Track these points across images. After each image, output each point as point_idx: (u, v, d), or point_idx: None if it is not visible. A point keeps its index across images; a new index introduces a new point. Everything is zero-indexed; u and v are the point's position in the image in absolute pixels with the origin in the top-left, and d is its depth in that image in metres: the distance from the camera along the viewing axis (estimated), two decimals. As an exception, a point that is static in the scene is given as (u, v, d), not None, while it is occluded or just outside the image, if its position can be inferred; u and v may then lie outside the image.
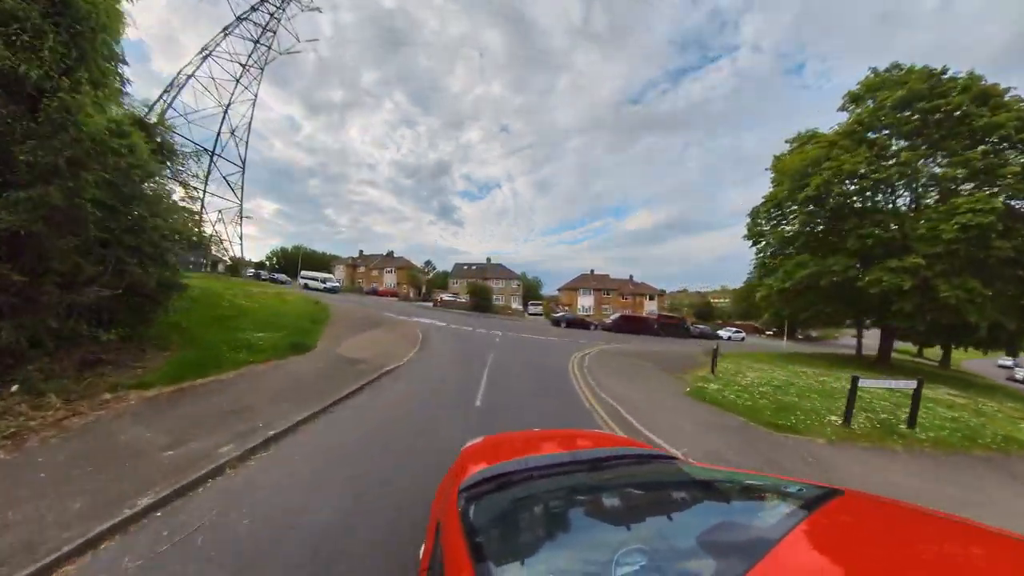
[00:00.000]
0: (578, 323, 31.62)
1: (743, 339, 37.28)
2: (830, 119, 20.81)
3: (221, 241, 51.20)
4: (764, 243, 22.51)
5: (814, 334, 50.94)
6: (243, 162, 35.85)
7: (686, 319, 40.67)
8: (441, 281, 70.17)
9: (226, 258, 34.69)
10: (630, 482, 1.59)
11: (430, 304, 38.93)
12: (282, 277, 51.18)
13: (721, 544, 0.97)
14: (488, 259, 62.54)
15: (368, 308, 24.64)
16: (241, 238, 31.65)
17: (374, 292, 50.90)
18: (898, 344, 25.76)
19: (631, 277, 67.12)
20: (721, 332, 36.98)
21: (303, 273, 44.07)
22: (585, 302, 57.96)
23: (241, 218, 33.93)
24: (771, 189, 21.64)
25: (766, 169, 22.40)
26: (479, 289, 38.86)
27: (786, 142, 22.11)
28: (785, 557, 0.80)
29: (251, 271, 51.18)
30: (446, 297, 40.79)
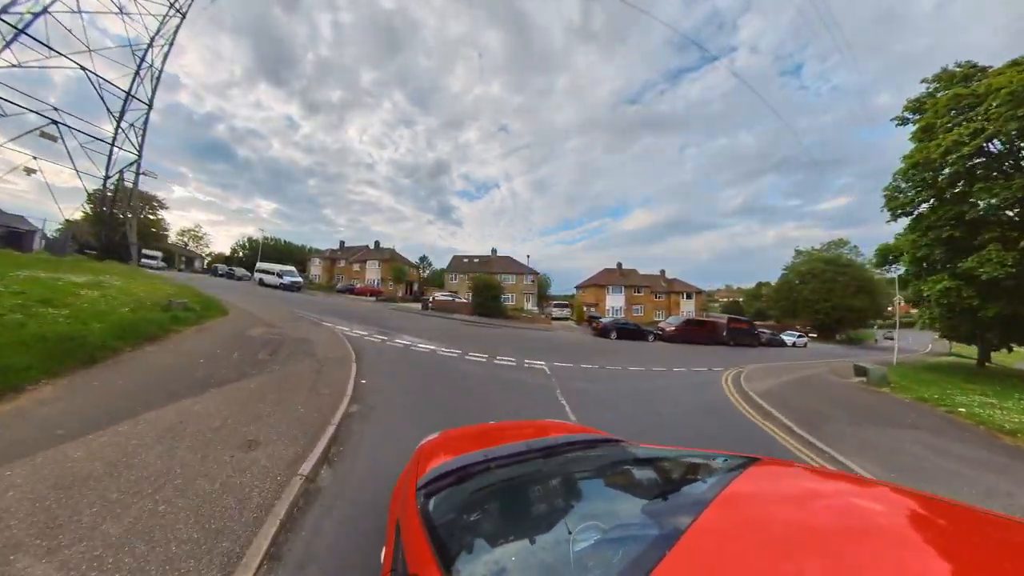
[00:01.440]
0: (631, 331, 22.11)
1: (806, 345, 31.54)
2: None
3: (120, 220, 40.42)
4: (922, 218, 14.39)
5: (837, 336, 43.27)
6: (150, 103, 25.18)
7: (754, 323, 31.85)
8: (438, 279, 59.98)
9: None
10: (582, 465, 1.65)
11: (420, 306, 28.54)
12: (240, 271, 41.42)
13: (662, 511, 1.07)
14: (493, 250, 52.34)
15: (303, 316, 14.56)
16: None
17: (350, 290, 40.67)
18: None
19: (663, 272, 57.20)
20: (784, 337, 30.90)
21: (258, 266, 34.05)
22: (615, 302, 47.83)
23: (138, 175, 23.04)
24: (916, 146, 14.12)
25: (895, 119, 15.71)
26: (485, 284, 27.51)
27: (927, 81, 15.12)
28: (714, 516, 0.93)
29: (222, 266, 46.41)
30: (442, 296, 30.71)
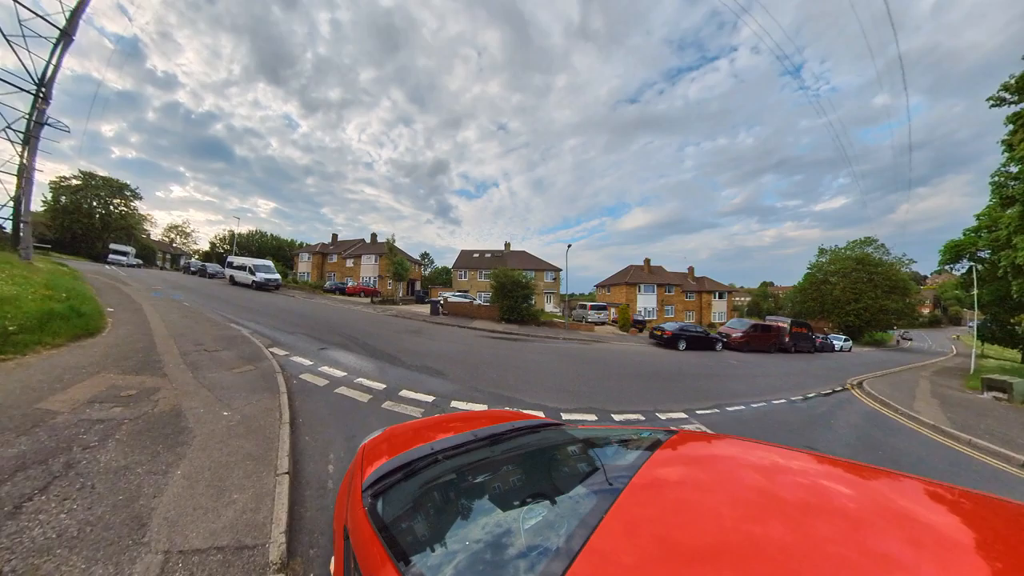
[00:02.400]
0: (700, 339, 18.71)
1: (851, 349, 30.53)
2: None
3: (85, 210, 33.67)
4: None
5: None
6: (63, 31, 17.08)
7: (811, 328, 27.62)
8: (442, 277, 54.06)
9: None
10: (526, 449, 1.68)
11: (429, 310, 22.62)
12: (213, 268, 35.69)
13: (598, 483, 1.16)
14: (507, 244, 46.31)
15: (246, 336, 8.63)
16: (27, 172, 13.31)
17: (339, 290, 34.71)
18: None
19: (691, 270, 51.78)
20: (833, 341, 29.11)
21: (229, 260, 28.13)
22: (647, 302, 42.29)
23: (31, 123, 15.10)
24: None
25: (991, 100, 13.58)
26: (514, 282, 20.99)
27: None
28: (640, 483, 1.05)
29: (195, 263, 42.38)
30: (455, 298, 24.92)
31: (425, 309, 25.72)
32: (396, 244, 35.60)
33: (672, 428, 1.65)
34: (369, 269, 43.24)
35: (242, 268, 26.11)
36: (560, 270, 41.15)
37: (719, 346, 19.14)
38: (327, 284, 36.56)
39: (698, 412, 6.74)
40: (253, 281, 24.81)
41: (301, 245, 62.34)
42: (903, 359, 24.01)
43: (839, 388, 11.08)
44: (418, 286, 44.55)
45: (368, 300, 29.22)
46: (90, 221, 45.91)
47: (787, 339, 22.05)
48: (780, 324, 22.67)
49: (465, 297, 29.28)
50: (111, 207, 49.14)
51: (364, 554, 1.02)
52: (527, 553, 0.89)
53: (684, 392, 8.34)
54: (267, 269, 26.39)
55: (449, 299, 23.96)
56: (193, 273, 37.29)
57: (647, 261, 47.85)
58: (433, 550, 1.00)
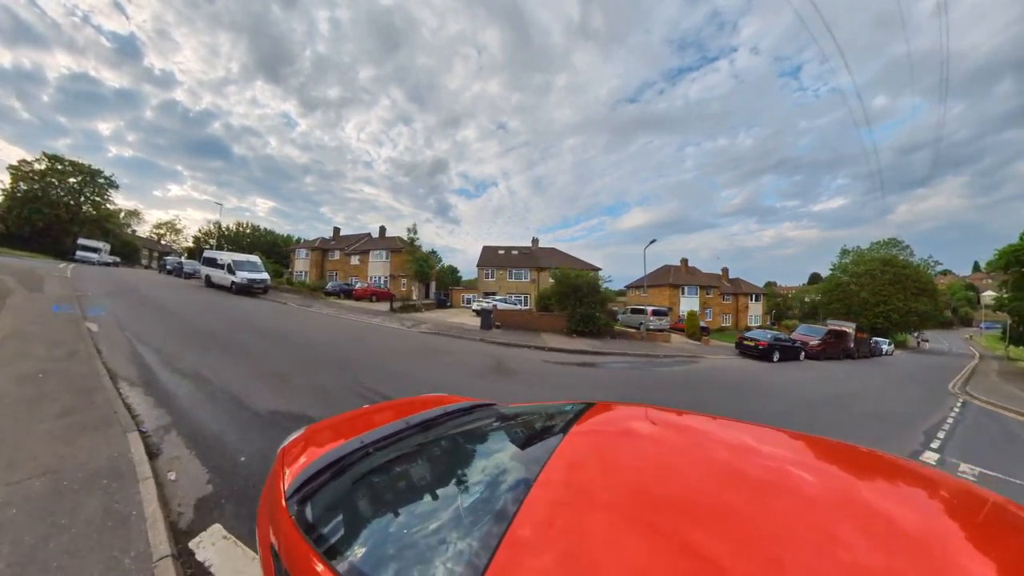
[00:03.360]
0: (789, 349, 17.17)
1: (893, 352, 29.84)
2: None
3: (54, 201, 25.70)
4: None
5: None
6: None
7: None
8: (449, 277, 48.12)
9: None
10: (461, 430, 1.66)
11: (479, 322, 16.67)
12: (191, 266, 29.72)
13: (529, 456, 1.20)
14: (535, 240, 40.35)
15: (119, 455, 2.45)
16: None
17: (345, 292, 27.80)
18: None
19: (725, 271, 46.95)
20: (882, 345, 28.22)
21: (205, 256, 22.50)
22: (689, 305, 36.94)
23: None
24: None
25: None
26: (588, 286, 16.81)
27: None
28: (564, 451, 1.11)
29: (172, 260, 35.07)
30: (503, 303, 19.18)
31: (457, 318, 19.99)
32: (405, 239, 29.31)
33: (591, 401, 1.70)
34: (379, 267, 36.24)
35: (219, 266, 20.32)
36: (600, 270, 35.50)
37: (803, 353, 17.74)
38: (329, 285, 29.42)
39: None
40: (233, 283, 19.06)
41: (298, 241, 55.68)
42: (948, 363, 23.64)
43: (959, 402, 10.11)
44: (434, 288, 38.54)
45: (382, 305, 23.38)
46: (55, 212, 38.62)
47: (852, 345, 21.24)
48: (846, 330, 21.95)
49: (506, 301, 23.54)
50: (82, 197, 41.79)
51: (298, 568, 0.95)
52: (461, 539, 0.88)
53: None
54: (252, 267, 20.53)
55: (498, 306, 18.27)
56: (169, 272, 31.30)
57: (684, 261, 42.97)
58: (375, 550, 0.95)
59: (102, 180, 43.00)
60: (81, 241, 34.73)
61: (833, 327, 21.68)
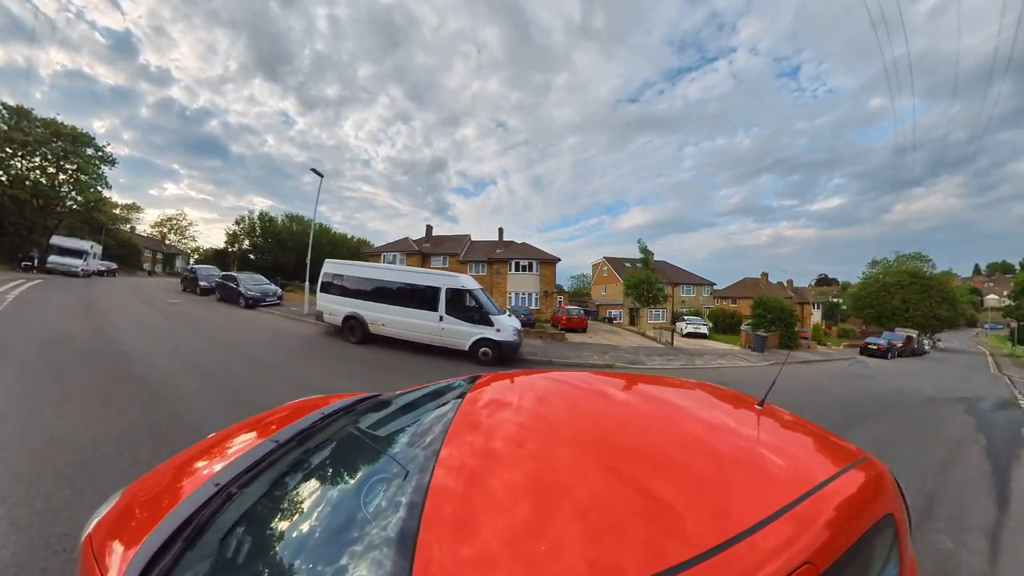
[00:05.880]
0: (893, 348, 22.59)
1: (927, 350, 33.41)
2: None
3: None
4: None
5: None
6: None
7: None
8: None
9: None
10: (346, 433, 1.51)
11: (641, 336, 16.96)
12: (207, 271, 19.54)
13: (427, 432, 1.22)
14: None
15: None
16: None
17: (528, 321, 20.77)
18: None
19: (790, 282, 50.35)
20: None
21: (197, 269, 18.97)
22: (768, 316, 37.62)
23: None
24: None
25: None
26: (781, 309, 21.12)
27: None
28: (459, 423, 1.17)
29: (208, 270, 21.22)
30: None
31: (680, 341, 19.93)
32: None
33: (479, 374, 1.72)
34: (526, 282, 28.63)
35: (233, 289, 15.50)
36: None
37: (890, 355, 21.90)
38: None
39: None
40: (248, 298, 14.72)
41: (359, 242, 46.54)
42: (969, 359, 26.91)
43: (1007, 379, 15.21)
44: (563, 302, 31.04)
45: (649, 341, 18.71)
46: (18, 193, 25.84)
47: (915, 345, 26.91)
48: (912, 334, 28.04)
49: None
50: (60, 174, 28.72)
51: None
52: (376, 548, 0.82)
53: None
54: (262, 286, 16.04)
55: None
56: (197, 288, 18.50)
57: (764, 275, 47.74)
58: None
59: (91, 151, 29.77)
60: (56, 240, 23.62)
61: (907, 333, 27.94)
